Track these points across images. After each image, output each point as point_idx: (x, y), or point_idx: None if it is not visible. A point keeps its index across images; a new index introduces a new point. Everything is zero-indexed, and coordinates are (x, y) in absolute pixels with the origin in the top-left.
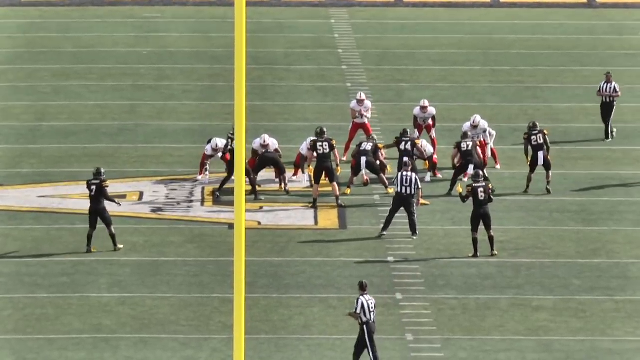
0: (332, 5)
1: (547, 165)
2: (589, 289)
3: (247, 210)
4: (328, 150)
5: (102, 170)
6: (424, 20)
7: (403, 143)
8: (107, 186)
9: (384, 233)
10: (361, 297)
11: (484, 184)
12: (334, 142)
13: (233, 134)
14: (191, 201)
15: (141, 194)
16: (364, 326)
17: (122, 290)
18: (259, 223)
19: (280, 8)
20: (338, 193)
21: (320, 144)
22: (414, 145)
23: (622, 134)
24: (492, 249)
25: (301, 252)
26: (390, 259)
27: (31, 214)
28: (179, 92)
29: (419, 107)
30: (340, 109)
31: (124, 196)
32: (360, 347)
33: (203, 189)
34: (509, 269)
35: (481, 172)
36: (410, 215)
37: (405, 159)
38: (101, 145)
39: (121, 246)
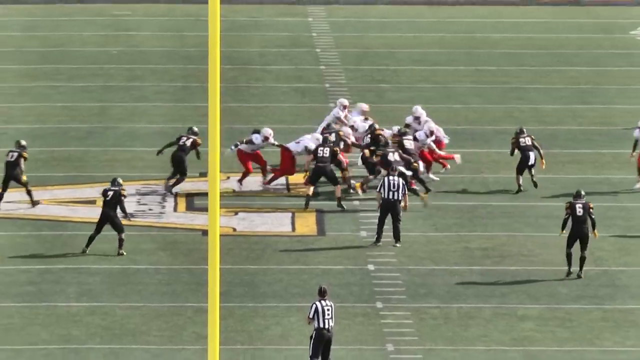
0: (309, 2)
1: (532, 165)
2: (576, 298)
3: (221, 216)
4: (328, 155)
5: (120, 181)
6: (405, 18)
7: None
8: (125, 196)
9: (379, 243)
10: (316, 302)
11: (583, 201)
12: (337, 149)
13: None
14: (163, 207)
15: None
16: (314, 332)
17: (91, 299)
18: (234, 229)
19: (255, 5)
20: (340, 194)
21: (322, 148)
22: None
23: (612, 137)
24: (581, 270)
25: (278, 259)
26: (370, 266)
27: None
28: (150, 93)
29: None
30: (318, 111)
31: (93, 202)
32: (325, 350)
33: (176, 194)
34: (493, 277)
35: (583, 192)
36: (396, 221)
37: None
38: (69, 149)
39: (124, 253)
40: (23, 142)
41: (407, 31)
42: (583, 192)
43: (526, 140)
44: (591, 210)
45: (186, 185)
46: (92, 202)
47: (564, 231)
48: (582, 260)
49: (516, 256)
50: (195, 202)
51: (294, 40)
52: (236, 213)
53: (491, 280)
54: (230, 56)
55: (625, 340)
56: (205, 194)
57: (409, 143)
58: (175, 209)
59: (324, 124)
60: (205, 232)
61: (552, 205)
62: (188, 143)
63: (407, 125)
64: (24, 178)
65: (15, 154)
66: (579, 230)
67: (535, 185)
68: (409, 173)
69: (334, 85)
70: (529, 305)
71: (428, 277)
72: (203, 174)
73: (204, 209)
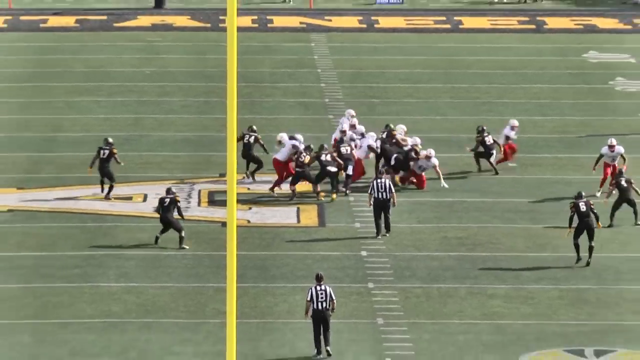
0: (312, 30)
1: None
2: (537, 279)
3: (238, 210)
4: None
5: (174, 189)
6: (393, 43)
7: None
8: (179, 201)
9: (379, 236)
10: (312, 288)
11: (585, 200)
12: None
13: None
14: (189, 202)
15: (145, 196)
16: (312, 312)
17: (128, 280)
18: (249, 221)
19: (266, 33)
20: (318, 190)
21: (299, 156)
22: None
23: (567, 144)
24: (590, 257)
25: (285, 247)
26: (363, 252)
27: (48, 214)
28: (178, 107)
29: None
30: (319, 121)
31: (130, 198)
32: (325, 330)
33: (199, 191)
34: (467, 262)
35: (583, 193)
36: (386, 215)
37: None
38: None
39: (186, 247)
40: (110, 140)
41: (395, 54)
42: (583, 193)
43: (490, 139)
44: (592, 206)
45: (207, 184)
46: (129, 198)
47: (571, 228)
48: (591, 249)
49: (486, 244)
50: (215, 198)
51: (299, 62)
52: (250, 207)
53: (465, 265)
54: (245, 75)
55: (578, 315)
56: (224, 192)
57: (344, 149)
58: (198, 204)
59: (338, 132)
60: (224, 224)
61: (516, 201)
62: (252, 140)
63: (343, 132)
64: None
65: (107, 151)
66: (585, 223)
67: (496, 172)
68: (334, 169)
69: (332, 100)
70: (497, 285)
71: (412, 261)
72: (222, 175)
73: (223, 204)
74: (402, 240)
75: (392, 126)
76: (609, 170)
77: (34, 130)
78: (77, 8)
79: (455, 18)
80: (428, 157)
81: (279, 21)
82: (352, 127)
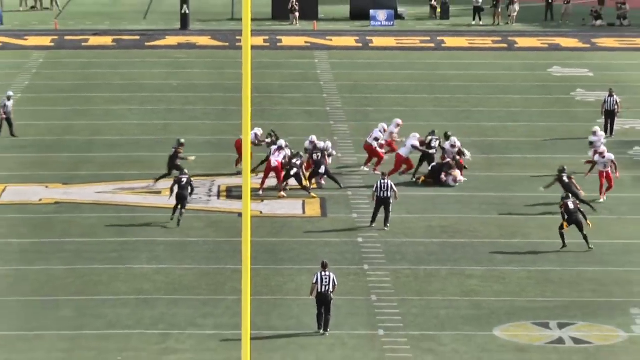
0: (315, 48)
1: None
2: (508, 262)
3: (252, 203)
4: (299, 162)
5: (187, 171)
6: (385, 59)
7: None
8: (192, 180)
9: (373, 225)
10: (318, 273)
11: (572, 199)
12: (304, 161)
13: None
14: (210, 196)
15: (172, 191)
16: (316, 294)
17: (158, 263)
18: (261, 212)
19: (276, 51)
20: (302, 186)
21: (294, 160)
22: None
23: (535, 146)
24: (588, 245)
25: (292, 234)
26: (359, 239)
27: (89, 206)
28: (200, 114)
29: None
30: (321, 127)
31: (159, 192)
32: (326, 312)
33: (219, 186)
34: (449, 247)
35: (570, 193)
36: (387, 212)
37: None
38: (141, 154)
39: (180, 219)
40: (182, 140)
41: (387, 69)
42: (570, 193)
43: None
44: (578, 204)
45: (226, 180)
46: (158, 192)
47: (565, 221)
48: (585, 237)
49: (465, 232)
50: (233, 192)
51: (304, 76)
52: (262, 200)
53: (447, 249)
54: (258, 87)
55: (544, 292)
56: (240, 187)
57: (315, 156)
58: (218, 197)
59: (308, 142)
60: (240, 214)
61: (491, 195)
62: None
63: (312, 142)
64: (191, 158)
65: (173, 150)
66: (573, 219)
67: (465, 167)
68: (294, 171)
69: (333, 108)
70: (474, 267)
71: (401, 247)
72: (239, 173)
73: (239, 197)
74: (393, 228)
75: (436, 132)
76: (602, 175)
77: (76, 134)
78: (114, 29)
79: (438, 38)
80: (455, 180)
81: (287, 41)
82: (312, 142)
